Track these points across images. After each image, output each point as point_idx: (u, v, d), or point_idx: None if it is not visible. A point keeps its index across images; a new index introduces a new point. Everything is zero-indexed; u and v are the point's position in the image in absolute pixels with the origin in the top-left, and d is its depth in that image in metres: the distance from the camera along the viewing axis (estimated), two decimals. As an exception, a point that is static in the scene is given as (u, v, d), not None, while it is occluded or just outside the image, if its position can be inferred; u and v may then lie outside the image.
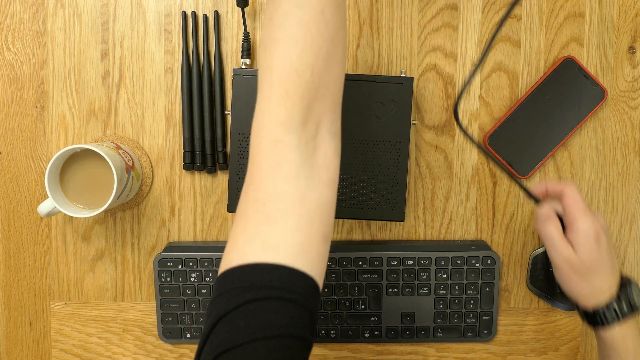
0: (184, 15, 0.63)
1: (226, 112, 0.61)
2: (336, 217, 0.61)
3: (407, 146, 0.58)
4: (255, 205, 0.39)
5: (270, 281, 0.36)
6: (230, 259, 0.38)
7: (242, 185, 0.59)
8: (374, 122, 0.58)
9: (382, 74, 0.64)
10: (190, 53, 0.63)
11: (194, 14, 0.63)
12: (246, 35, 0.62)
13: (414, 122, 0.59)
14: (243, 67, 0.61)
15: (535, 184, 0.57)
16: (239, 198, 0.63)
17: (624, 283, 0.54)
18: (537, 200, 0.56)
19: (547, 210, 0.54)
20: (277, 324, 0.35)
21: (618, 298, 0.52)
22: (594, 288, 0.53)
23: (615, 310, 0.52)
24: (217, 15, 0.63)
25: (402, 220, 0.59)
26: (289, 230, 0.38)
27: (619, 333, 0.52)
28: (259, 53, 0.45)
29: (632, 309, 0.52)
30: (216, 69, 0.63)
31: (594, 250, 0.52)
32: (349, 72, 0.64)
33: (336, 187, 0.42)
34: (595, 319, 0.53)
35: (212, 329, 0.36)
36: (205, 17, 0.63)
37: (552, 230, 0.53)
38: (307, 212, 0.39)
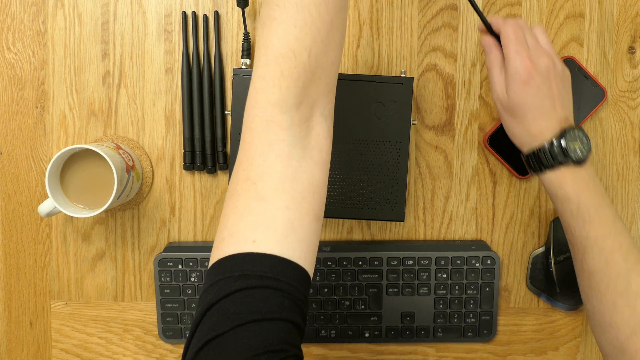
0: (184, 15, 0.63)
1: (226, 112, 0.61)
2: (336, 217, 0.62)
3: (407, 146, 0.58)
4: (246, 183, 0.39)
5: (261, 270, 0.36)
6: (222, 238, 0.38)
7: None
8: (374, 122, 0.58)
9: (382, 74, 0.64)
10: (190, 53, 0.63)
11: (194, 14, 0.63)
12: (246, 36, 0.62)
13: (414, 122, 0.59)
14: (243, 67, 0.61)
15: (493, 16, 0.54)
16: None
17: (566, 130, 0.51)
18: (491, 30, 0.53)
19: (488, 40, 0.53)
20: (267, 309, 0.35)
21: (552, 143, 0.50)
22: (524, 130, 0.52)
23: (545, 154, 0.51)
24: (217, 15, 0.63)
25: (402, 220, 0.59)
26: (279, 208, 0.38)
27: (555, 179, 0.51)
28: (257, 30, 0.44)
29: (565, 155, 0.50)
30: (216, 69, 0.63)
31: (521, 92, 0.50)
32: (349, 72, 0.64)
33: (328, 168, 0.42)
34: (528, 162, 0.53)
35: (202, 317, 0.36)
36: (205, 17, 0.63)
37: (491, 61, 0.52)
38: (298, 191, 0.39)
